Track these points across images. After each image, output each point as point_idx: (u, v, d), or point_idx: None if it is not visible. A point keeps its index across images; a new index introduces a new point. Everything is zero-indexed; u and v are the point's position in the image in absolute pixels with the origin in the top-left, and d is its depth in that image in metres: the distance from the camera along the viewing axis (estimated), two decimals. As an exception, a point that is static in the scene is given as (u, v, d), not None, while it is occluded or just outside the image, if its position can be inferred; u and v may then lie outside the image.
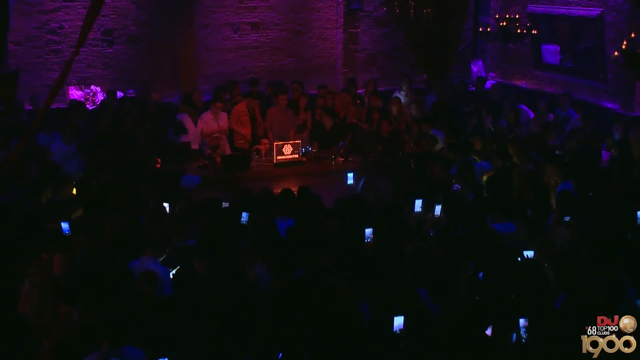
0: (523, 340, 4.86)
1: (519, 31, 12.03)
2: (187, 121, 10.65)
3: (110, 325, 4.81)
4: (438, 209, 7.11)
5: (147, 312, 5.23)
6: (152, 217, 7.09)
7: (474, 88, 13.97)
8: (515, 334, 4.97)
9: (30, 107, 11.63)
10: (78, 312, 5.48)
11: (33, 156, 8.99)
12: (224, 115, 11.04)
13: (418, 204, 7.19)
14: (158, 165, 9.56)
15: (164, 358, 4.75)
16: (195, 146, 10.69)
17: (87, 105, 12.39)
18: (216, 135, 10.69)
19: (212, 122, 10.90)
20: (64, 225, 6.64)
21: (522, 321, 4.99)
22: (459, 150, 9.37)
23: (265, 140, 10.74)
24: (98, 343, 4.77)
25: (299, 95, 11.74)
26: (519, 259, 6.14)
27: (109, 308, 5.06)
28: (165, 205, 7.49)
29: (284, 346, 4.77)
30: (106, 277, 5.81)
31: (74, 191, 7.84)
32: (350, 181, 8.87)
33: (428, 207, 7.24)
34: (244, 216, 7.12)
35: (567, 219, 6.46)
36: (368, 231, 6.54)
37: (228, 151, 10.73)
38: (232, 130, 11.03)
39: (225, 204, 7.48)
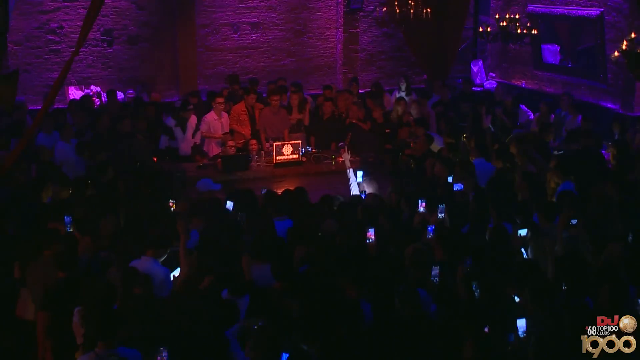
0: (522, 341, 4.85)
1: (519, 31, 12.01)
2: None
3: (107, 326, 4.80)
4: (441, 210, 7.09)
5: (144, 312, 5.22)
6: (152, 218, 7.08)
7: (474, 88, 13.96)
8: (514, 334, 4.96)
9: (33, 107, 11.62)
10: (79, 313, 5.47)
11: (32, 156, 8.98)
12: (225, 115, 11.05)
13: (421, 205, 7.18)
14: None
15: (164, 351, 4.74)
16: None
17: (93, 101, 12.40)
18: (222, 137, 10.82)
19: (216, 122, 10.91)
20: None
21: (521, 321, 4.99)
22: (458, 151, 9.36)
23: (253, 141, 10.75)
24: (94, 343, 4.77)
25: (296, 98, 11.70)
26: (519, 259, 6.14)
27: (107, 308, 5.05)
28: (166, 205, 7.48)
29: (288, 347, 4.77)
30: (105, 278, 5.82)
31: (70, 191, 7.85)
32: (351, 181, 8.85)
33: (431, 207, 7.22)
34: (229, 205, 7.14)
35: (574, 221, 6.45)
36: (370, 231, 6.53)
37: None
38: (232, 130, 11.03)
39: (229, 205, 7.47)
